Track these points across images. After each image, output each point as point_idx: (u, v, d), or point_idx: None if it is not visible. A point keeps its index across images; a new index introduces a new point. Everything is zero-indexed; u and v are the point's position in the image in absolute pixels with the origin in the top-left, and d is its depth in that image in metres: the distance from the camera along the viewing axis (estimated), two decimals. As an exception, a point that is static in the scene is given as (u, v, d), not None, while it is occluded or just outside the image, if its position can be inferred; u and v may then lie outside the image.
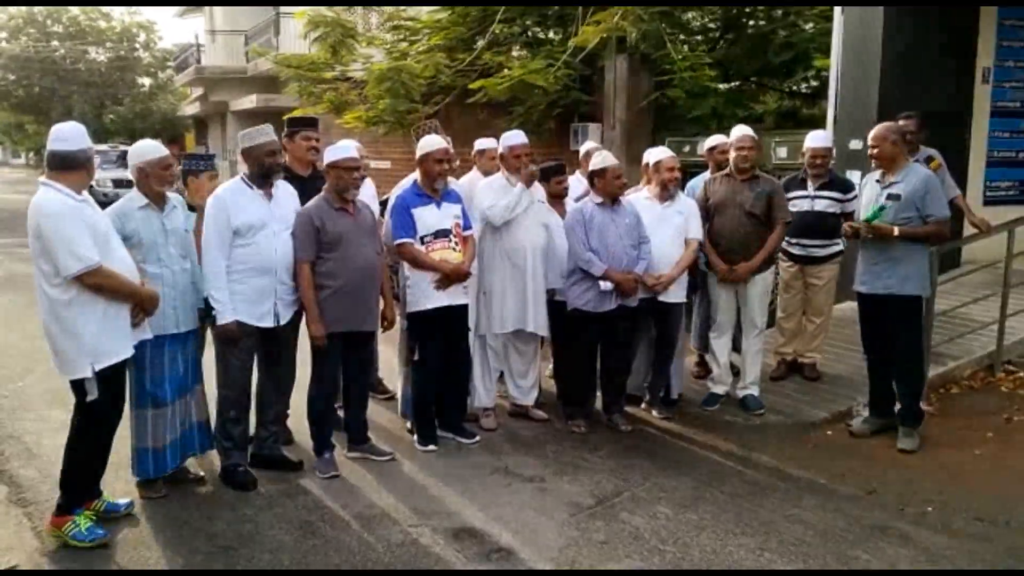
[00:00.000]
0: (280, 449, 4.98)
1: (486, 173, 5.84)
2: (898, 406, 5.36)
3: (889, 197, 5.12)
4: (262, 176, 4.62)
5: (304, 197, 4.86)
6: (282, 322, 4.70)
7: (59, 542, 3.99)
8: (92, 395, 3.90)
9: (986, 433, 5.41)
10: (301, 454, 5.02)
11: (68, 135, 3.95)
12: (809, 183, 6.14)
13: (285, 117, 5.32)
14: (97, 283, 3.84)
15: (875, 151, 5.19)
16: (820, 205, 6.05)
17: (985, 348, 6.48)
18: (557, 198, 5.85)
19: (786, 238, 6.09)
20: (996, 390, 6.16)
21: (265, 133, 4.66)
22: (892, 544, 4.05)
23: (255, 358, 4.75)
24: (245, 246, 4.52)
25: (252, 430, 4.89)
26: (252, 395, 4.81)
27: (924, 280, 5.22)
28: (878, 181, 5.26)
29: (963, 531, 4.18)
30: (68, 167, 3.91)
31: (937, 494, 4.58)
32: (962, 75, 8.09)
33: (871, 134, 5.23)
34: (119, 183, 21.75)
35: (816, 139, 6.19)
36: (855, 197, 5.79)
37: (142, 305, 4.07)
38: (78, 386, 3.92)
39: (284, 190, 4.78)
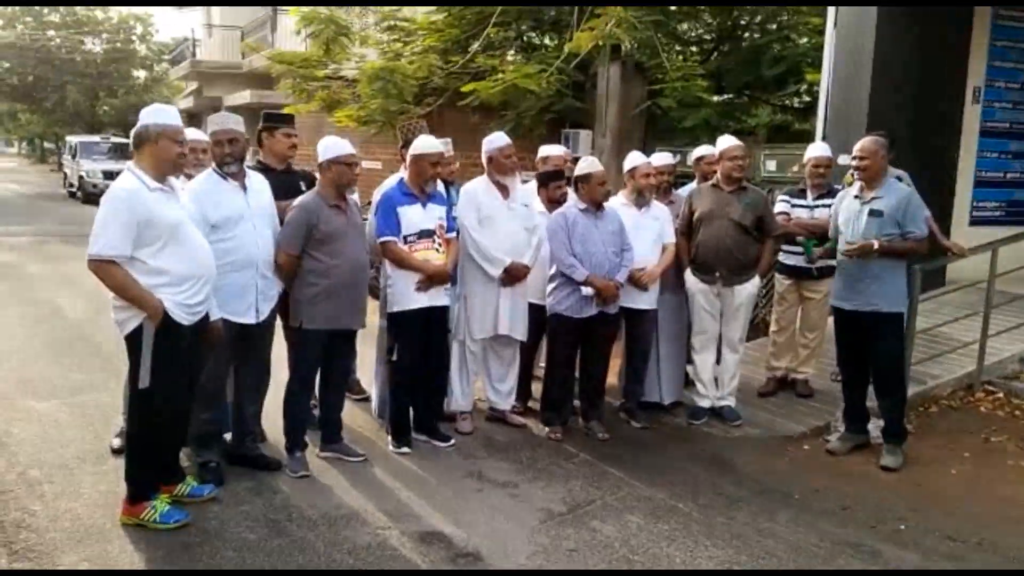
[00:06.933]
0: (258, 448, 4.91)
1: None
2: (880, 423, 5.32)
3: (871, 213, 5.07)
4: (222, 163, 4.53)
5: (276, 191, 4.80)
6: (262, 318, 4.65)
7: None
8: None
9: (963, 453, 5.38)
10: (273, 452, 4.95)
11: (145, 110, 3.97)
12: (809, 193, 6.15)
13: (264, 112, 5.29)
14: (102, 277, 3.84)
15: (864, 163, 5.07)
16: (820, 214, 6.02)
17: (965, 368, 6.44)
18: (555, 204, 5.80)
19: (782, 246, 6.13)
20: (975, 410, 6.14)
21: (233, 120, 4.63)
22: (863, 561, 4.02)
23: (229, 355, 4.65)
24: (224, 240, 4.40)
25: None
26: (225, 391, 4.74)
27: (903, 296, 5.18)
28: (857, 197, 5.18)
29: (935, 550, 4.14)
30: (136, 145, 3.94)
31: (911, 513, 4.54)
32: (952, 94, 8.08)
33: (860, 146, 5.11)
34: (110, 175, 21.67)
35: (818, 149, 6.26)
36: None
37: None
38: None
39: (257, 180, 4.70)
